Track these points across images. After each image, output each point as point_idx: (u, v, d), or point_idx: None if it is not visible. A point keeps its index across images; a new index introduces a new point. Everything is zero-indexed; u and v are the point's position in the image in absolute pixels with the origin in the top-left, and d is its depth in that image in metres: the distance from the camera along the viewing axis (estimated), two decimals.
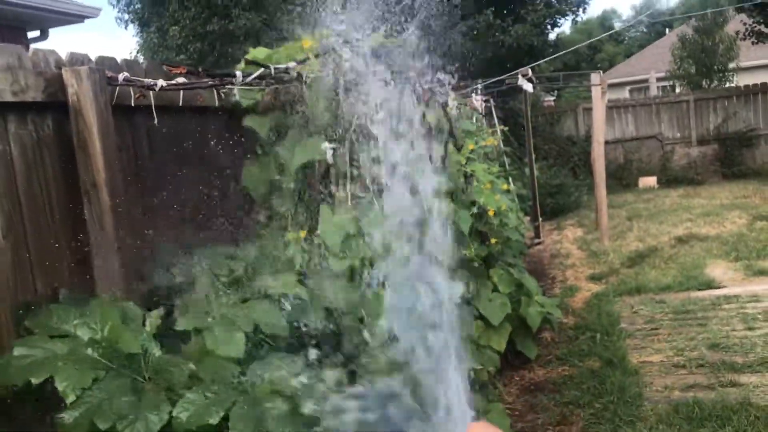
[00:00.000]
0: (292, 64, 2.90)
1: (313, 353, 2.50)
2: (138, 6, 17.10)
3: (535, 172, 10.50)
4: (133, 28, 18.49)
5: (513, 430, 4.06)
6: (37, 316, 2.33)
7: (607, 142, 14.96)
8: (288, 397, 2.05)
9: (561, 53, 13.08)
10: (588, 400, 4.27)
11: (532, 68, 10.53)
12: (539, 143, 15.64)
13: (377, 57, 2.79)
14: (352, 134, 2.84)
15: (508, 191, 9.58)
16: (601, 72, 12.11)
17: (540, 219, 10.26)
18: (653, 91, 22.77)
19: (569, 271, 7.90)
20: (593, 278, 7.35)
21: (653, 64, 24.41)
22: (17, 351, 2.17)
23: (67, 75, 2.50)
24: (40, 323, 2.29)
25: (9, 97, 2.28)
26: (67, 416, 2.01)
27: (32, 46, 8.51)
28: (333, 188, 2.93)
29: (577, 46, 14.85)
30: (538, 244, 9.77)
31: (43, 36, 9.24)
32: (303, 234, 3.09)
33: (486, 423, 1.24)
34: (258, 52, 3.24)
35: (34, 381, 2.09)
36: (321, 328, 2.55)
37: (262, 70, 2.86)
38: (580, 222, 11.29)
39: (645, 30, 46.56)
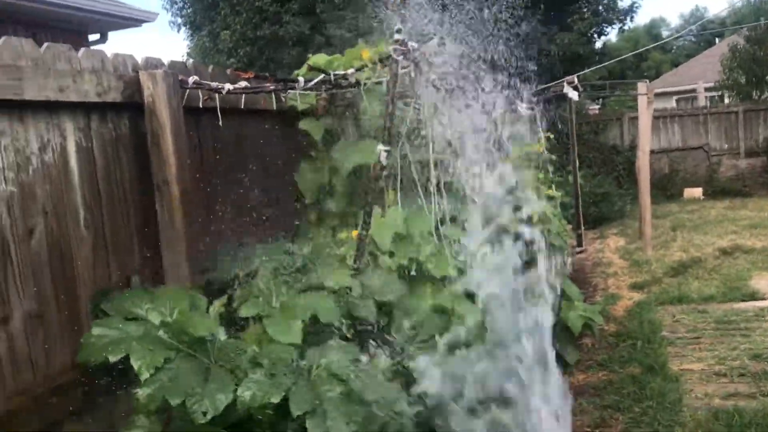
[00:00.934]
0: (350, 71, 3.06)
1: (364, 342, 2.65)
2: (190, 10, 17.56)
3: (579, 180, 10.51)
4: (185, 32, 18.96)
5: None
6: (112, 300, 2.52)
7: (652, 152, 14.84)
8: (342, 381, 2.20)
9: (607, 63, 13.06)
10: (627, 405, 4.32)
11: (578, 76, 10.56)
12: (583, 151, 15.58)
13: (432, 65, 2.94)
14: (404, 138, 2.98)
15: (552, 198, 9.63)
16: (648, 81, 12.05)
17: (583, 227, 10.27)
18: (701, 101, 22.44)
19: (611, 279, 7.92)
20: (635, 287, 7.36)
21: (701, 74, 24.06)
22: (95, 330, 2.36)
23: (143, 78, 2.70)
24: (115, 307, 2.48)
25: (93, 98, 2.48)
26: (142, 392, 2.19)
27: (92, 48, 8.86)
28: (384, 190, 3.08)
29: (623, 56, 14.79)
30: (581, 252, 9.78)
31: (103, 39, 9.62)
32: (354, 233, 3.24)
33: None
34: (319, 59, 3.41)
35: (111, 358, 2.27)
36: (371, 319, 2.70)
37: (323, 75, 3.03)
38: (623, 231, 11.25)
39: (693, 39, 45.82)
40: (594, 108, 21.80)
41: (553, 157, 12.46)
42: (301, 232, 3.77)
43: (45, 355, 2.27)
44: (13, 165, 2.19)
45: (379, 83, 3.06)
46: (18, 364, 2.16)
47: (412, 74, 2.82)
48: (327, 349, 2.38)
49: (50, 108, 2.35)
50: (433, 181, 3.29)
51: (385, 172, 3.13)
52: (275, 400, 2.10)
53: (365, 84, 3.03)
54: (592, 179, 13.22)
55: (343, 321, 2.54)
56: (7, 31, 7.78)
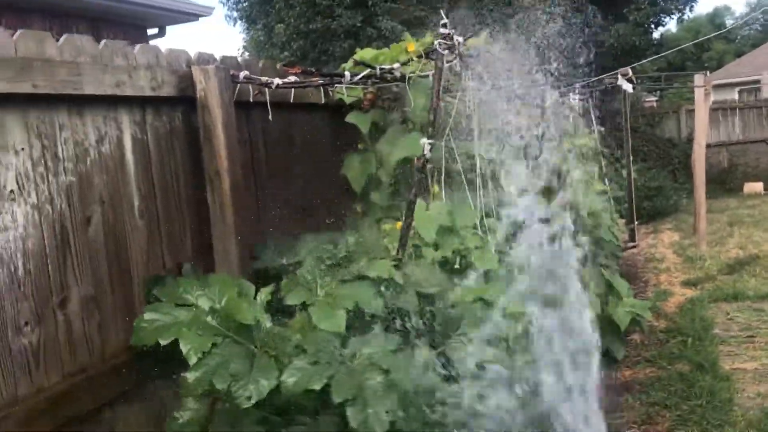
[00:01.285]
0: (396, 65, 3.10)
1: (406, 332, 2.70)
2: (246, 4, 17.84)
3: (633, 174, 10.32)
4: (240, 25, 19.29)
5: None
6: (164, 286, 2.63)
7: (710, 146, 14.45)
8: (384, 370, 2.25)
9: (663, 54, 12.75)
10: (675, 402, 4.27)
11: (634, 68, 10.34)
12: (638, 144, 15.28)
13: (477, 58, 2.96)
14: (449, 131, 3.01)
15: (604, 192, 9.48)
16: (708, 72, 11.71)
17: (636, 222, 10.08)
18: (765, 92, 21.69)
19: (663, 275, 7.77)
20: (688, 283, 7.21)
21: (766, 64, 23.25)
22: (147, 315, 2.47)
23: (196, 73, 2.79)
24: (167, 293, 2.59)
25: (148, 92, 2.58)
26: (190, 375, 2.28)
27: (151, 43, 9.12)
28: (429, 182, 3.12)
29: (681, 47, 14.41)
30: (633, 247, 9.61)
31: (161, 33, 9.87)
32: (398, 225, 3.28)
33: None
34: (365, 53, 3.46)
35: (162, 342, 2.37)
36: (413, 310, 2.74)
37: (368, 70, 3.07)
38: (677, 226, 11.01)
39: (759, 28, 44.25)
40: (652, 100, 21.32)
41: (606, 150, 12.27)
42: (348, 223, 3.83)
43: (100, 337, 2.38)
44: (72, 157, 2.30)
45: (426, 77, 3.08)
46: (74, 344, 2.28)
47: (458, 68, 2.84)
48: (369, 339, 2.44)
49: (108, 102, 2.45)
50: (479, 174, 3.30)
51: (430, 165, 3.16)
52: (317, 386, 2.16)
53: (410, 78, 3.07)
54: (646, 173, 12.96)
55: (385, 311, 2.59)
56: (70, 25, 8.10)
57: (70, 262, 2.28)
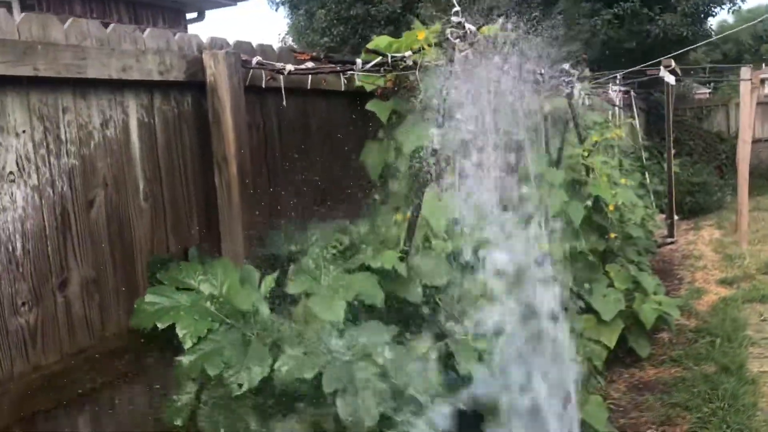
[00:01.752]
0: (407, 53, 3.05)
1: (405, 325, 2.67)
2: None
3: (674, 168, 10.05)
4: (283, 11, 19.33)
5: (615, 426, 4.04)
6: (168, 270, 2.65)
7: (759, 141, 14.00)
8: (377, 363, 2.22)
9: (701, 44, 12.35)
10: (697, 404, 4.16)
11: (683, 59, 10.02)
12: (684, 138, 14.87)
13: (495, 47, 2.89)
14: (460, 121, 2.95)
15: (642, 185, 9.25)
16: (764, 65, 11.25)
17: (675, 217, 9.84)
18: None
19: (699, 273, 7.57)
20: (724, 282, 7.01)
21: None
22: (148, 297, 2.49)
23: (206, 57, 2.79)
24: (169, 276, 2.61)
25: (156, 77, 2.59)
26: (185, 359, 2.30)
27: (190, 26, 9.20)
28: (438, 173, 3.05)
29: (724, 34, 13.92)
30: (671, 243, 9.39)
31: (200, 17, 9.96)
32: (404, 217, 3.24)
33: None
34: (380, 41, 3.42)
35: (160, 325, 2.39)
36: (417, 302, 2.71)
37: (380, 58, 3.03)
38: (719, 223, 10.70)
39: None
40: (704, 92, 20.72)
41: (647, 142, 11.97)
42: (364, 212, 3.81)
43: (101, 319, 2.41)
44: (75, 139, 2.33)
45: (440, 65, 3.02)
46: (74, 325, 2.31)
47: (470, 56, 2.78)
48: (365, 330, 2.42)
49: (114, 86, 2.47)
50: (493, 166, 3.23)
51: (442, 155, 3.10)
52: (308, 376, 2.16)
53: (420, 66, 3.01)
54: (691, 167, 12.62)
55: (387, 302, 2.56)
56: (110, 11, 8.20)
57: (71, 244, 2.30)
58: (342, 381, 2.15)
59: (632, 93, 10.89)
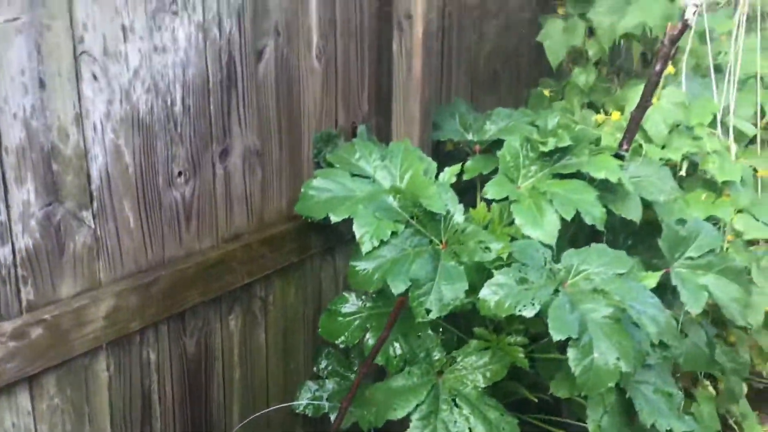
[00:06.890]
0: None
1: (633, 251, 2.14)
2: None
3: None
4: None
5: None
6: (338, 149, 2.16)
7: None
8: (613, 301, 1.71)
9: None
10: None
11: None
12: None
13: None
14: None
15: None
16: None
17: None
18: None
19: None
20: None
21: None
22: (317, 182, 2.03)
23: None
24: (339, 157, 2.12)
25: None
26: (360, 266, 1.83)
27: None
28: (668, 64, 2.40)
29: None
30: None
31: None
32: (616, 116, 2.64)
33: None
34: None
35: (333, 218, 1.94)
36: (636, 222, 2.16)
37: None
38: None
39: None
40: None
41: None
42: (533, 101, 3.21)
43: (261, 201, 1.96)
44: None
45: None
46: (232, 206, 1.87)
47: None
48: (587, 255, 1.89)
49: None
50: (730, 59, 2.56)
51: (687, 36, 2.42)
52: (528, 313, 1.66)
53: None
54: None
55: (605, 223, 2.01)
56: None
57: (236, 103, 1.82)
58: (572, 325, 1.64)
59: None
